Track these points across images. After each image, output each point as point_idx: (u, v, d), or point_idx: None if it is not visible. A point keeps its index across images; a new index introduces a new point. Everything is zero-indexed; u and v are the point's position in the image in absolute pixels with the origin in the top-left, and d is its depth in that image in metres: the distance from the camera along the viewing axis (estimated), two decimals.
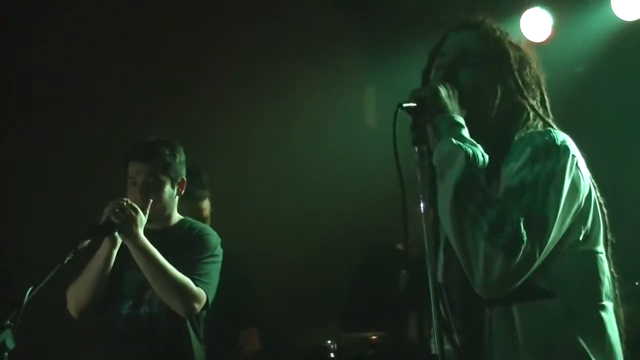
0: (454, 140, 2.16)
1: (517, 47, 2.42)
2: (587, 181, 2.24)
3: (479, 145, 2.18)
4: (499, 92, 2.32)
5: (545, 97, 2.42)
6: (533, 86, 2.39)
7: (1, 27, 5.49)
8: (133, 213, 3.44)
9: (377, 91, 6.95)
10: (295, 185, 6.17)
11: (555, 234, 2.12)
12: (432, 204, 2.16)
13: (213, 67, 6.15)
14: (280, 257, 5.92)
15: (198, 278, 3.48)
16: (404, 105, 2.19)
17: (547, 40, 5.75)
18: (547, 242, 2.10)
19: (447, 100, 2.22)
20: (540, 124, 2.33)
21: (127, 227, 3.43)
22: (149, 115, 5.58)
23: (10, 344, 2.84)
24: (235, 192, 4.81)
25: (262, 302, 5.07)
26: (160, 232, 3.64)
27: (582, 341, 2.16)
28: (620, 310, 2.30)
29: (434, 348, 2.15)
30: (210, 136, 5.91)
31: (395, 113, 2.17)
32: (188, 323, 3.55)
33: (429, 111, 2.20)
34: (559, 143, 2.20)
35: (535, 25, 5.79)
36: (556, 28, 5.80)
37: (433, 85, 2.30)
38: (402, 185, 2.16)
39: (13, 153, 5.55)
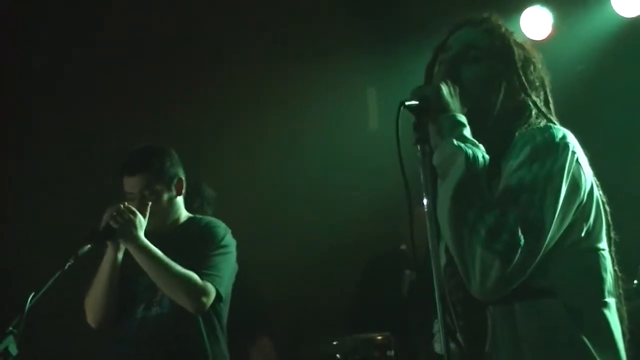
0: (455, 142, 2.13)
1: (521, 46, 2.40)
2: (588, 177, 2.22)
3: (480, 146, 2.16)
4: (502, 89, 2.30)
5: (549, 98, 2.40)
6: (537, 85, 2.37)
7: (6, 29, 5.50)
8: (131, 216, 3.47)
9: (379, 92, 6.95)
10: (300, 187, 6.17)
11: (553, 233, 2.11)
12: (434, 203, 2.14)
13: (219, 71, 6.15)
14: (284, 259, 5.91)
15: (205, 271, 3.48)
16: (407, 103, 2.17)
17: (548, 38, 5.74)
18: (544, 244, 2.09)
19: (449, 99, 2.20)
20: (543, 122, 2.31)
21: (126, 230, 3.46)
22: (154, 120, 5.58)
23: (14, 350, 2.85)
24: (240, 195, 4.80)
25: (267, 306, 5.06)
26: (169, 234, 3.67)
27: (585, 339, 2.14)
28: (624, 309, 2.28)
29: (438, 347, 2.14)
30: (216, 140, 5.91)
31: (398, 111, 2.15)
32: (201, 324, 3.52)
33: (431, 110, 2.18)
34: (558, 140, 2.18)
35: (536, 24, 5.78)
36: (556, 26, 5.79)
37: (436, 81, 2.29)
38: (407, 185, 2.15)
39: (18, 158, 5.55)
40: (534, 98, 2.34)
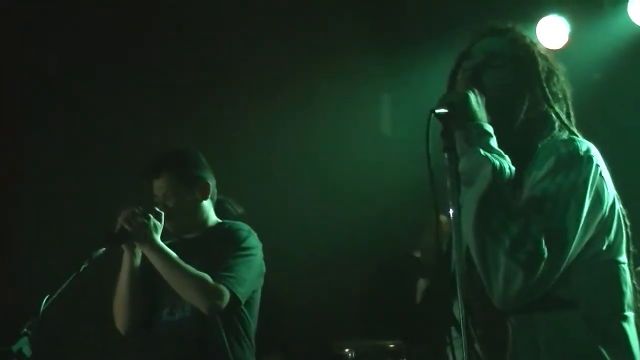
0: (482, 151, 2.14)
1: (545, 57, 2.40)
2: (611, 191, 2.22)
3: (506, 157, 2.16)
4: (526, 99, 2.30)
5: (571, 110, 2.40)
6: (560, 97, 2.36)
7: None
8: (145, 220, 3.46)
9: (393, 98, 6.95)
10: (313, 193, 6.17)
11: (576, 245, 2.11)
12: (459, 210, 2.14)
13: (234, 77, 6.16)
14: (297, 264, 5.91)
15: (221, 273, 3.43)
16: (437, 111, 2.17)
17: (564, 47, 5.72)
18: (567, 256, 2.09)
19: (476, 107, 2.20)
20: (565, 133, 2.31)
21: (140, 233, 3.45)
22: (170, 125, 5.59)
23: (27, 352, 2.85)
24: (252, 201, 4.80)
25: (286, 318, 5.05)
26: (194, 238, 3.65)
27: (604, 351, 2.14)
28: None
29: (453, 356, 2.14)
30: (228, 146, 5.91)
31: (428, 120, 2.15)
32: (222, 329, 3.46)
33: (458, 118, 2.18)
34: (582, 153, 2.18)
35: (552, 33, 5.77)
36: (573, 35, 5.78)
37: (459, 88, 2.29)
38: (435, 193, 2.14)
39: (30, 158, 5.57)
40: (557, 110, 2.33)
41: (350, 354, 4.69)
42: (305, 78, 6.30)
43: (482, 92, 2.26)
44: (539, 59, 2.36)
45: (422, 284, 5.27)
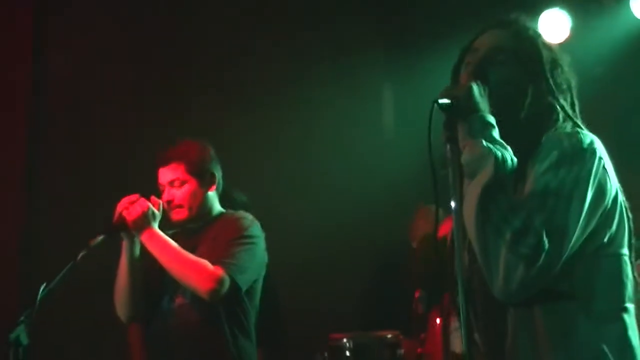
0: (484, 142, 2.14)
1: (549, 48, 2.39)
2: (614, 184, 2.22)
3: (508, 148, 2.16)
4: (529, 91, 2.29)
5: (575, 100, 2.39)
6: (564, 88, 2.36)
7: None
8: (143, 208, 3.46)
9: (395, 94, 6.94)
10: (314, 189, 6.18)
11: (577, 238, 2.11)
12: (461, 202, 2.15)
13: (233, 73, 6.15)
14: (297, 259, 5.91)
15: (221, 259, 3.43)
16: (439, 102, 2.17)
17: (566, 41, 5.71)
18: (567, 249, 2.09)
19: (479, 99, 2.20)
20: (569, 125, 2.31)
21: (138, 221, 3.46)
22: (169, 121, 5.58)
23: (25, 340, 2.87)
24: (253, 197, 4.80)
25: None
26: (199, 229, 3.65)
27: (603, 344, 2.14)
28: None
29: (455, 346, 2.14)
30: (230, 142, 5.91)
31: (431, 110, 2.15)
32: (222, 317, 3.49)
33: (461, 109, 2.18)
34: (585, 146, 2.18)
35: (554, 26, 5.75)
36: (575, 29, 5.77)
37: (463, 81, 2.28)
38: (436, 184, 2.15)
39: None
40: (562, 102, 2.33)
41: (348, 344, 4.68)
42: (307, 75, 6.29)
43: (486, 85, 2.25)
44: (543, 51, 2.35)
45: (423, 295, 5.25)
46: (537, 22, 5.67)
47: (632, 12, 5.62)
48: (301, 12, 6.40)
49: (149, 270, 3.56)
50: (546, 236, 2.04)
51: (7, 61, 5.40)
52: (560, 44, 5.62)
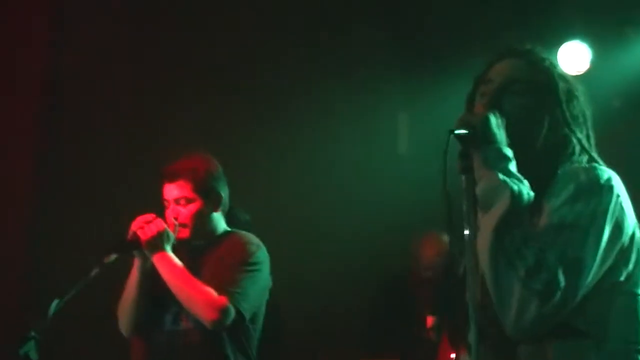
0: (500, 175, 2.10)
1: (565, 79, 2.36)
2: (631, 221, 2.18)
3: (525, 182, 2.13)
4: (545, 123, 2.27)
5: (591, 132, 2.35)
6: (580, 120, 2.32)
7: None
8: (159, 229, 3.45)
9: (410, 118, 6.94)
10: (327, 208, 6.16)
11: (593, 275, 2.08)
12: (475, 234, 2.11)
13: (253, 91, 6.17)
14: (304, 277, 5.91)
15: (227, 289, 3.40)
16: (456, 132, 2.13)
17: (585, 73, 5.70)
18: (583, 286, 2.06)
19: (496, 130, 2.16)
20: (585, 158, 2.28)
21: (152, 242, 3.44)
22: (184, 130, 5.60)
23: (34, 356, 2.86)
24: (268, 214, 4.81)
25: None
26: (202, 247, 3.63)
27: None
28: None
29: None
30: (243, 158, 5.92)
31: (447, 140, 2.12)
32: (226, 342, 3.47)
33: (477, 140, 2.15)
34: (603, 181, 2.15)
35: (574, 58, 5.75)
36: (594, 61, 5.76)
37: (478, 111, 2.25)
38: (449, 215, 2.12)
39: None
40: (578, 134, 2.30)
41: None
42: (323, 94, 6.30)
43: (502, 116, 2.22)
44: (560, 82, 2.32)
45: (435, 322, 5.21)
46: (556, 54, 5.66)
47: None
48: (319, 31, 6.42)
49: (155, 287, 3.54)
50: (562, 272, 2.02)
51: (19, 61, 5.43)
52: (579, 76, 5.61)
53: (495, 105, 2.25)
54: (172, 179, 3.59)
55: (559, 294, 2.01)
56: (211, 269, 3.52)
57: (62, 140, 5.59)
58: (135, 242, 3.46)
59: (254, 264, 3.53)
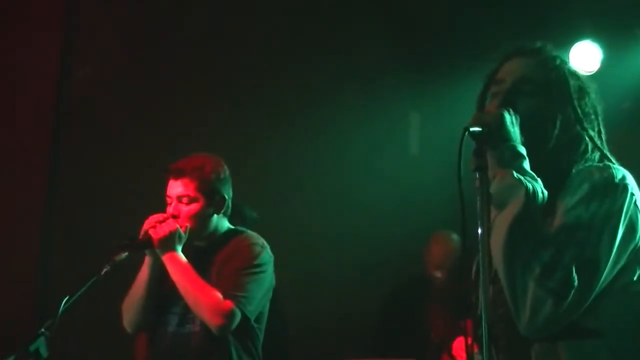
0: (515, 174, 2.10)
1: (576, 76, 2.36)
2: None
3: (539, 180, 2.12)
4: (558, 122, 2.27)
5: (602, 128, 2.35)
6: (592, 117, 2.33)
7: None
8: (172, 229, 3.45)
9: (422, 118, 6.94)
10: (339, 210, 6.17)
11: (607, 275, 2.07)
12: (489, 232, 2.11)
13: (263, 92, 6.17)
14: (314, 278, 5.91)
15: (232, 292, 3.42)
16: (471, 129, 2.13)
17: (596, 73, 5.68)
18: (597, 286, 2.06)
19: (511, 128, 2.16)
20: (598, 155, 2.28)
21: (164, 242, 3.45)
22: (190, 139, 5.59)
23: (44, 352, 2.87)
24: (277, 215, 4.81)
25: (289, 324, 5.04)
26: (204, 248, 3.63)
27: None
28: None
29: None
30: (254, 160, 5.92)
31: (462, 138, 2.11)
32: (231, 343, 3.48)
33: (492, 138, 2.14)
34: (617, 180, 2.15)
35: (585, 58, 5.74)
36: (605, 62, 5.74)
37: (491, 109, 2.25)
38: (463, 213, 2.10)
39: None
40: (590, 132, 2.30)
41: None
42: (334, 95, 6.30)
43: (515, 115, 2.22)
44: (570, 80, 2.32)
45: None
46: (567, 54, 5.65)
47: None
48: (330, 33, 6.42)
49: (163, 287, 3.55)
50: (576, 271, 2.01)
51: (32, 73, 5.44)
52: (590, 76, 5.59)
53: (508, 105, 2.25)
54: (177, 176, 3.58)
55: (573, 293, 2.00)
56: (217, 270, 3.53)
57: (73, 143, 5.59)
58: (147, 241, 3.46)
59: (259, 265, 3.54)
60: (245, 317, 3.43)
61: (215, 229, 3.65)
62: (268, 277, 3.59)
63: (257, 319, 3.56)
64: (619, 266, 2.11)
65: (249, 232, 3.72)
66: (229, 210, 3.72)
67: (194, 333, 3.50)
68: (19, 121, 5.40)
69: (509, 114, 2.19)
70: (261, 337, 3.62)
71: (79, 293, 3.08)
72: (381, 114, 6.51)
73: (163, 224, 3.46)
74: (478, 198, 2.11)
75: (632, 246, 2.13)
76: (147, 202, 3.77)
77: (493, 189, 2.12)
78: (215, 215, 3.63)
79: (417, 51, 6.75)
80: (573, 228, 2.08)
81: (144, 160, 5.43)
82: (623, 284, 2.13)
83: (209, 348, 3.47)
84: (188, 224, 3.53)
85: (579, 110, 2.30)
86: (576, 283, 2.01)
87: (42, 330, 2.90)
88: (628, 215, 2.12)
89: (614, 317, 2.12)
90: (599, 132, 2.34)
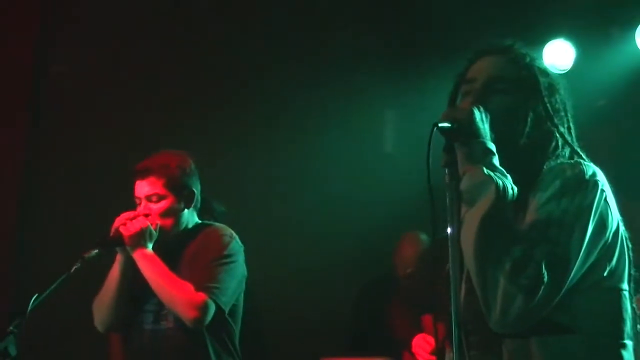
0: (485, 170, 2.09)
1: (546, 73, 2.37)
2: (615, 217, 2.19)
3: (509, 176, 2.12)
4: (529, 119, 2.26)
5: (572, 123, 2.36)
6: (562, 113, 2.33)
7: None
8: (143, 226, 3.43)
9: (396, 114, 6.94)
10: (314, 207, 6.16)
11: (577, 271, 2.08)
12: (459, 230, 2.10)
13: (239, 89, 6.16)
14: (289, 277, 5.90)
15: (204, 284, 3.41)
16: (440, 125, 2.12)
17: (569, 71, 5.70)
18: (567, 282, 2.06)
19: (481, 125, 2.15)
20: (568, 151, 2.29)
21: (135, 239, 3.43)
22: (170, 137, 5.57)
23: (13, 351, 2.85)
24: (254, 213, 4.80)
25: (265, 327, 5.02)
26: (177, 242, 3.61)
27: None
28: None
29: None
30: (231, 158, 5.91)
31: (431, 133, 2.10)
32: (207, 338, 3.47)
33: (462, 134, 2.13)
34: (588, 177, 2.15)
35: (558, 57, 5.75)
36: (579, 60, 5.76)
37: (464, 106, 2.24)
38: (433, 209, 2.10)
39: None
40: (561, 129, 2.30)
41: None
42: (310, 94, 6.30)
43: (486, 113, 2.21)
44: (540, 77, 2.33)
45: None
46: (540, 52, 5.66)
47: (637, 45, 5.61)
48: (308, 30, 6.41)
49: (135, 285, 3.53)
50: (546, 268, 2.01)
51: (7, 67, 5.40)
52: (563, 74, 5.61)
53: (480, 104, 2.24)
54: (143, 175, 3.57)
55: (543, 289, 2.00)
56: (188, 264, 3.52)
57: (47, 142, 5.55)
58: (118, 239, 3.45)
59: (229, 255, 3.53)
60: (219, 309, 3.42)
61: (186, 224, 3.64)
62: (239, 267, 3.58)
63: (231, 313, 3.54)
64: (589, 262, 2.11)
65: (217, 224, 3.72)
66: (199, 204, 3.70)
67: (169, 329, 3.48)
68: None
69: (479, 110, 2.18)
70: (237, 333, 3.60)
71: (48, 291, 3.06)
72: (356, 111, 6.50)
73: (134, 221, 3.45)
74: (447, 195, 2.10)
75: (602, 242, 2.14)
76: (119, 200, 3.74)
77: (463, 185, 2.11)
78: (186, 210, 3.62)
79: (392, 49, 6.75)
80: (544, 224, 2.07)
81: (118, 157, 5.40)
82: (594, 280, 2.13)
83: (186, 344, 3.46)
84: (159, 222, 3.51)
85: (549, 107, 2.30)
86: (546, 279, 2.01)
87: (11, 328, 2.87)
88: (598, 212, 2.12)
89: (586, 312, 2.12)
90: (569, 128, 2.35)
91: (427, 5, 6.39)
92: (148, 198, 3.55)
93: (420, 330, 4.13)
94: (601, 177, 2.19)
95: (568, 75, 5.61)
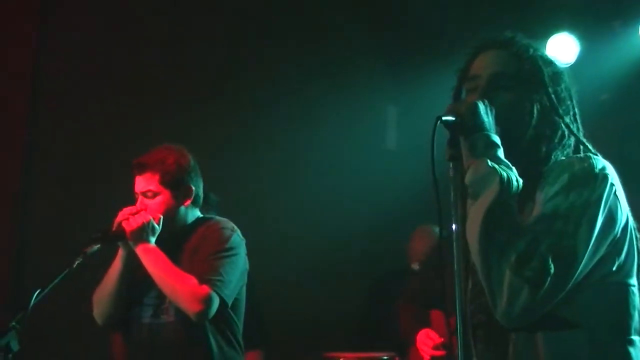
0: (489, 162, 2.08)
1: (549, 62, 2.35)
2: (624, 211, 2.17)
3: (514, 169, 2.11)
4: (535, 111, 2.25)
5: (577, 110, 2.35)
6: (567, 102, 2.32)
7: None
8: (145, 220, 3.43)
9: (397, 110, 6.94)
10: (314, 203, 6.15)
11: (585, 265, 2.06)
12: (464, 222, 2.10)
13: (235, 83, 6.15)
14: (294, 273, 5.89)
15: (207, 277, 3.39)
16: (443, 118, 2.11)
17: (573, 65, 5.69)
18: (574, 275, 2.04)
19: (485, 118, 2.15)
20: (573, 140, 2.28)
21: (137, 234, 3.43)
22: (166, 131, 5.55)
23: (15, 346, 2.83)
24: (254, 210, 4.78)
25: (271, 321, 5.02)
26: (177, 237, 3.59)
27: None
28: None
29: None
30: (231, 155, 5.90)
31: (435, 127, 2.09)
32: (209, 331, 3.46)
33: (466, 127, 2.13)
34: (597, 171, 2.14)
35: (562, 51, 5.74)
36: (582, 54, 5.75)
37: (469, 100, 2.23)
38: (439, 203, 2.09)
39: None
40: (566, 119, 2.29)
41: None
42: (310, 89, 6.29)
43: (491, 108, 2.20)
44: (544, 68, 2.31)
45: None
46: (544, 46, 5.64)
47: None
48: (307, 25, 6.40)
49: (135, 279, 3.52)
50: (553, 260, 2.00)
51: (7, 64, 5.40)
52: (567, 68, 5.59)
53: (485, 99, 2.22)
54: (140, 171, 3.55)
55: (549, 281, 1.99)
56: (189, 258, 3.50)
57: (47, 138, 5.55)
58: (120, 234, 3.44)
59: (231, 248, 3.51)
60: (222, 302, 3.40)
61: (184, 220, 3.62)
62: (241, 260, 3.57)
63: (234, 307, 3.53)
64: (597, 257, 2.10)
65: (217, 217, 3.70)
66: (200, 200, 3.68)
67: (169, 323, 3.47)
68: None
69: (483, 103, 2.17)
70: (240, 324, 3.59)
71: (50, 286, 3.05)
72: (357, 107, 6.50)
73: (136, 216, 3.44)
74: (452, 189, 2.10)
75: (611, 237, 2.12)
76: (121, 196, 3.73)
77: (467, 178, 2.11)
78: (182, 207, 3.60)
79: (393, 44, 6.75)
80: (551, 217, 2.06)
81: (119, 153, 5.39)
82: (602, 275, 2.12)
83: (187, 338, 3.45)
84: (160, 215, 3.50)
85: (554, 98, 2.29)
86: (552, 271, 1.99)
87: (13, 323, 2.86)
88: (607, 205, 2.10)
89: (593, 307, 2.11)
90: (574, 115, 2.33)
91: (428, 0, 6.38)
92: (144, 194, 3.54)
93: (426, 325, 4.13)
94: (611, 171, 2.17)
95: (571, 69, 5.58)
